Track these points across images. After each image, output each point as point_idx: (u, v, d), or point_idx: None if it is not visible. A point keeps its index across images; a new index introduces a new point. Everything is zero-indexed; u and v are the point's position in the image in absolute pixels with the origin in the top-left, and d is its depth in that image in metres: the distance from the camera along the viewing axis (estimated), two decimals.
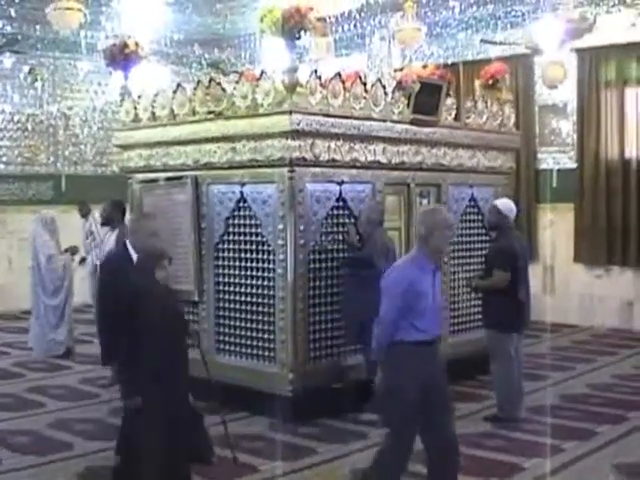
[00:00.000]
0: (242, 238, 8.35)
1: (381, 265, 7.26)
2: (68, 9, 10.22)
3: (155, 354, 5.28)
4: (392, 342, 5.34)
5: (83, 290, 13.73)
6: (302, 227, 7.86)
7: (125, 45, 9.07)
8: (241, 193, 8.30)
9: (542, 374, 9.44)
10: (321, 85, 7.96)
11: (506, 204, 8.04)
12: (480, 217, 9.84)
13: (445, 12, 13.56)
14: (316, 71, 8.06)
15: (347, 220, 8.32)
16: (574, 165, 13.36)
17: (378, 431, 7.33)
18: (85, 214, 12.89)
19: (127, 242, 6.57)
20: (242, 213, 8.35)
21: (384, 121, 8.50)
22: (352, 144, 8.23)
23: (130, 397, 5.40)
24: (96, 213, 12.30)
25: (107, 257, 7.41)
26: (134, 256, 6.20)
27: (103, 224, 9.75)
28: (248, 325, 8.26)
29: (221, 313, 8.57)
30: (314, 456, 6.86)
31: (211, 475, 6.22)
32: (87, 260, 12.41)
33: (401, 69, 9.90)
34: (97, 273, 8.97)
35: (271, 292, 8.03)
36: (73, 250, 11.09)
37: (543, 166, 13.79)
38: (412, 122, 8.77)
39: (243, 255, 8.33)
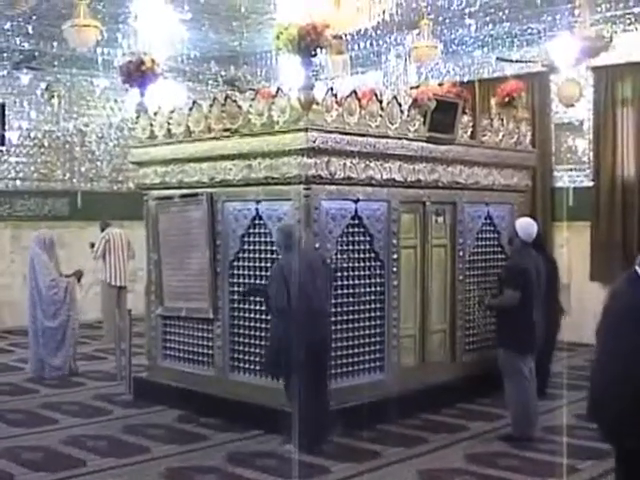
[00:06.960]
0: (257, 255, 8.33)
1: (278, 297, 7.21)
2: (85, 26, 10.31)
3: None
4: None
5: (96, 307, 13.84)
6: (317, 245, 7.84)
7: (141, 62, 9.11)
8: (256, 210, 8.29)
9: (557, 393, 9.35)
10: (337, 103, 7.96)
11: (522, 223, 8.00)
12: (496, 235, 9.82)
13: (461, 30, 13.55)
14: (332, 89, 8.07)
15: (363, 238, 8.32)
16: (590, 183, 13.28)
17: (394, 449, 7.32)
18: (103, 227, 13.10)
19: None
20: (257, 230, 8.34)
21: (400, 139, 8.49)
22: (368, 162, 8.22)
23: None
24: (115, 229, 12.74)
25: (612, 296, 4.77)
26: None
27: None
28: (262, 343, 8.22)
29: (235, 330, 8.54)
30: (328, 475, 6.80)
31: None
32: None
33: (417, 87, 9.89)
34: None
35: None
36: (77, 274, 10.87)
37: (559, 184, 13.70)
38: (428, 140, 8.75)
39: (258, 272, 8.31)
